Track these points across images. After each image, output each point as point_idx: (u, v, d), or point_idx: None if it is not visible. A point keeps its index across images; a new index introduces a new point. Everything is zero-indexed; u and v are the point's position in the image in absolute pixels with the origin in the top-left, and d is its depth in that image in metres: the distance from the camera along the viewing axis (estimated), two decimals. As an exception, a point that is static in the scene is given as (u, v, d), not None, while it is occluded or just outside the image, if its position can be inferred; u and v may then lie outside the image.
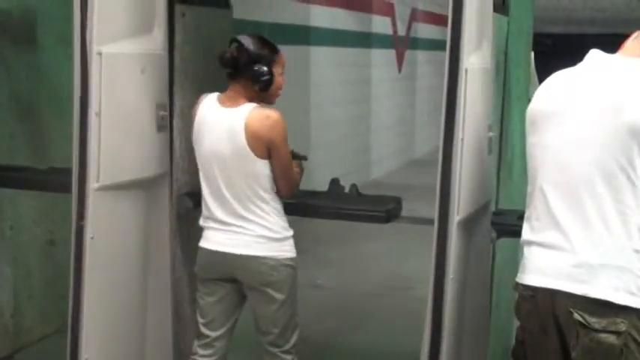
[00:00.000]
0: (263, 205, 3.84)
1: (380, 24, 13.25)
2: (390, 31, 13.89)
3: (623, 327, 2.88)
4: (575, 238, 2.95)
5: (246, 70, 3.83)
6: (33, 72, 5.52)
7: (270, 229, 3.85)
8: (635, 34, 3.13)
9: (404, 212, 4.46)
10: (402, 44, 14.59)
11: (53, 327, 5.62)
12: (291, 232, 3.90)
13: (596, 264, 2.92)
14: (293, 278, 3.93)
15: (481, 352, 3.93)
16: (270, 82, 3.86)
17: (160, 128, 4.12)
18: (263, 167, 3.80)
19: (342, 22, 11.52)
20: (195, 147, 3.94)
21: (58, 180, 4.55)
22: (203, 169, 3.93)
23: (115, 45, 3.78)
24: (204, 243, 3.97)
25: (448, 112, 3.36)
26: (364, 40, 12.56)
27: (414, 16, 15.39)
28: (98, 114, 3.72)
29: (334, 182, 4.53)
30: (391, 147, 14.24)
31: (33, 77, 5.52)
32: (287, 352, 3.98)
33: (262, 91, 3.87)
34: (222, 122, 3.81)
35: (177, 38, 4.37)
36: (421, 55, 16.03)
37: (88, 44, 3.68)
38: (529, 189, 3.14)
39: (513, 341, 3.30)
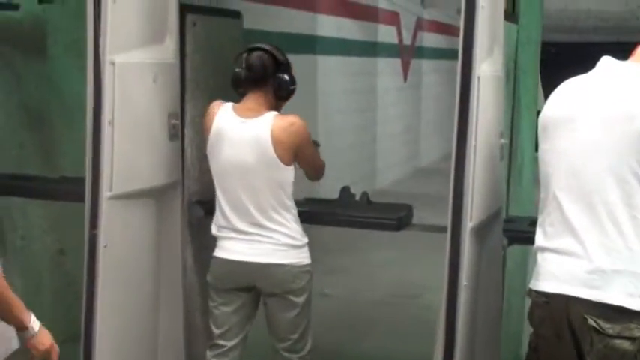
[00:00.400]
0: (285, 213, 3.86)
1: (386, 33, 13.27)
2: (395, 40, 13.91)
3: (637, 332, 2.88)
4: (589, 244, 2.95)
5: (273, 78, 3.85)
6: (43, 81, 5.54)
7: (291, 237, 3.87)
8: (646, 41, 3.14)
9: (413, 220, 4.47)
10: (407, 53, 14.60)
11: (64, 335, 5.59)
12: (307, 239, 3.94)
13: (609, 270, 2.91)
14: (311, 284, 3.97)
15: (494, 358, 3.93)
16: (293, 91, 3.89)
17: (171, 137, 4.14)
18: (289, 175, 3.84)
19: (348, 32, 11.54)
20: (211, 158, 3.95)
21: (69, 189, 4.58)
22: (220, 180, 3.93)
23: (128, 54, 3.81)
24: (221, 253, 3.97)
25: (461, 119, 3.37)
26: (370, 49, 12.58)
27: (420, 25, 15.40)
28: (111, 123, 3.74)
29: (345, 190, 4.54)
30: (397, 156, 14.24)
31: (43, 87, 5.54)
32: (303, 358, 4.00)
33: (283, 100, 3.90)
34: (245, 133, 3.81)
35: (188, 47, 4.39)
36: (427, 64, 16.04)
37: (101, 54, 3.70)
38: (542, 195, 3.14)
39: (524, 347, 3.29)
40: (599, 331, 2.91)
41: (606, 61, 3.13)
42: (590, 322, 2.92)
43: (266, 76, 3.86)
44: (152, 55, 3.98)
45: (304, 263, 3.93)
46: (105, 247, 3.77)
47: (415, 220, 4.47)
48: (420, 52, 15.52)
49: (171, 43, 4.12)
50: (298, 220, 3.93)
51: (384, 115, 13.26)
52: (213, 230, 3.98)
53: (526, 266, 5.04)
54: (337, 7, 11.13)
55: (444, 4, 15.51)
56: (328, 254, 7.95)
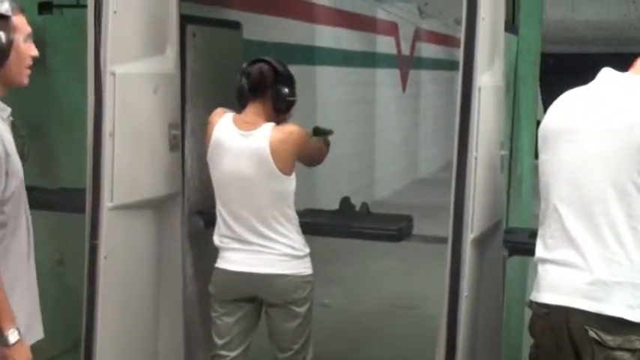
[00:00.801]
0: (287, 224, 3.87)
1: (384, 44, 13.30)
2: (394, 51, 13.94)
3: (638, 344, 2.88)
4: (589, 256, 2.95)
5: (272, 89, 3.86)
6: (42, 92, 5.53)
7: (293, 247, 3.88)
8: (646, 53, 3.14)
9: (413, 231, 4.47)
10: (406, 64, 14.63)
11: (63, 346, 5.60)
12: (309, 249, 3.94)
13: (610, 281, 2.91)
14: (313, 294, 3.98)
15: (494, 369, 3.94)
16: (293, 104, 3.89)
17: (172, 147, 4.15)
18: (290, 185, 3.85)
19: (347, 42, 11.56)
20: (211, 167, 3.95)
21: (68, 200, 4.58)
22: (220, 191, 3.94)
23: (129, 65, 3.82)
24: (223, 264, 3.97)
25: (462, 130, 3.37)
26: (369, 59, 12.60)
27: (418, 35, 15.43)
28: (112, 134, 3.75)
29: (345, 201, 4.54)
30: (396, 166, 14.25)
31: (42, 97, 5.53)
32: (304, 367, 4.01)
33: (282, 113, 3.90)
34: (244, 146, 3.82)
35: (189, 58, 4.41)
36: (425, 75, 16.07)
37: (101, 64, 3.71)
38: (542, 206, 3.14)
39: (523, 358, 3.29)
40: (600, 343, 2.91)
41: (606, 73, 3.14)
42: (591, 333, 2.92)
43: (264, 87, 3.87)
44: (153, 66, 4.00)
45: (306, 274, 3.93)
46: (105, 257, 3.77)
47: (414, 230, 4.48)
48: (418, 63, 15.54)
49: (171, 54, 4.13)
50: (300, 230, 3.93)
51: (382, 125, 13.28)
52: (216, 241, 3.97)
53: (525, 276, 5.04)
54: (336, 18, 11.15)
55: (442, 15, 15.54)
56: (327, 265, 7.92)
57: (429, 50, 16.29)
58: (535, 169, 3.97)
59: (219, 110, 3.97)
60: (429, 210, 9.35)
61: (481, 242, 3.58)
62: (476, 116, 3.37)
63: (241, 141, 3.84)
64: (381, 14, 13.08)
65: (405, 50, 14.60)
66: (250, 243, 3.88)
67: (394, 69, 14.11)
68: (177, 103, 4.22)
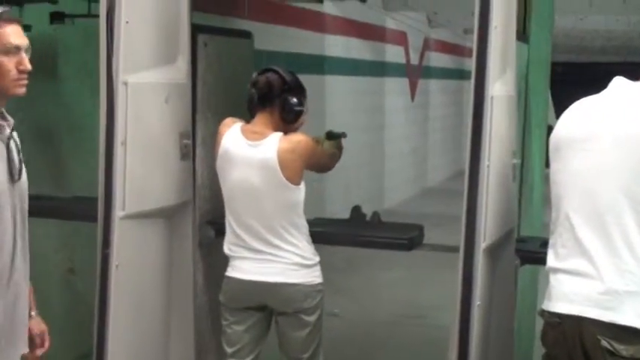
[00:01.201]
0: (296, 233, 3.86)
1: (393, 53, 13.31)
2: (403, 60, 13.94)
3: (651, 354, 2.87)
4: (601, 265, 2.94)
5: (280, 98, 3.86)
6: (54, 102, 5.55)
7: (302, 257, 3.87)
8: (660, 62, 3.14)
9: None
10: (415, 73, 14.63)
11: (73, 355, 5.61)
12: (318, 258, 3.94)
13: (622, 291, 2.90)
14: (322, 303, 3.97)
15: (506, 379, 3.92)
16: (300, 114, 3.89)
17: (183, 157, 4.14)
18: (300, 194, 3.85)
19: (356, 52, 11.57)
20: (220, 176, 3.96)
21: (80, 208, 4.59)
22: (229, 201, 3.95)
23: (140, 75, 3.83)
24: (233, 272, 3.97)
25: (474, 139, 3.37)
26: (378, 68, 12.61)
27: (427, 44, 15.44)
28: (124, 143, 3.75)
29: (356, 210, 4.54)
30: (405, 175, 14.25)
31: (54, 107, 5.55)
32: (315, 376, 4.00)
33: (289, 123, 3.89)
34: (252, 156, 3.83)
35: (200, 68, 4.41)
36: (434, 84, 16.07)
37: (113, 74, 3.72)
38: (553, 215, 3.13)
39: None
40: (612, 353, 2.90)
41: (618, 82, 3.13)
42: (604, 343, 2.91)
43: (272, 96, 3.87)
44: (164, 76, 4.00)
45: (316, 282, 3.92)
46: (117, 266, 3.77)
47: (424, 240, 4.47)
48: (427, 72, 15.55)
49: (183, 64, 4.13)
50: (310, 238, 3.93)
51: (391, 134, 13.28)
52: (226, 250, 3.98)
53: (536, 285, 5.03)
54: (346, 28, 11.17)
55: (451, 24, 15.55)
56: (337, 274, 7.93)
57: (437, 59, 16.29)
58: (546, 178, 3.97)
59: (227, 121, 3.98)
60: (438, 219, 9.36)
61: (493, 251, 3.57)
62: (488, 125, 3.37)
63: (249, 151, 3.84)
64: (390, 24, 13.09)
65: (414, 59, 14.61)
66: (260, 252, 3.88)
67: (403, 78, 14.12)
68: (189, 112, 4.23)
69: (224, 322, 4.03)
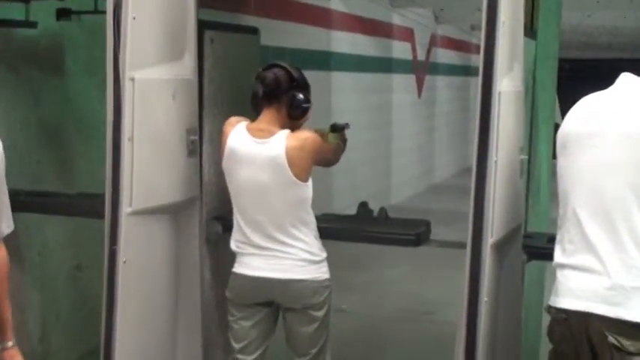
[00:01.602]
0: (304, 229, 3.87)
1: (400, 49, 13.30)
2: (410, 56, 13.94)
3: (658, 350, 2.87)
4: (608, 261, 2.94)
5: (287, 95, 3.85)
6: (60, 98, 5.56)
7: (310, 252, 3.88)
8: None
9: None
10: (421, 69, 14.62)
11: (80, 351, 5.63)
12: (326, 254, 3.94)
13: (629, 287, 2.91)
14: (330, 298, 3.97)
15: (514, 374, 3.92)
16: (307, 110, 3.89)
17: (190, 153, 4.15)
18: (307, 191, 3.85)
19: (362, 48, 11.57)
20: (226, 175, 3.96)
21: (86, 205, 4.59)
22: (236, 199, 3.94)
23: (147, 71, 3.82)
24: (240, 269, 3.97)
25: (482, 135, 3.36)
26: (385, 65, 12.60)
27: (434, 41, 15.43)
28: (131, 139, 3.75)
29: (363, 206, 4.53)
30: (411, 171, 14.25)
31: (60, 103, 5.56)
32: (322, 372, 4.00)
33: (296, 119, 3.89)
34: (259, 155, 3.82)
35: (206, 64, 4.41)
36: (441, 80, 16.06)
37: (120, 70, 3.71)
38: (560, 211, 3.13)
39: (541, 361, 3.28)
40: (619, 349, 2.91)
41: (626, 78, 3.14)
42: (611, 339, 2.92)
43: (279, 93, 3.87)
44: (171, 72, 4.00)
45: (323, 278, 3.93)
46: (124, 262, 3.77)
47: (431, 235, 4.47)
48: (434, 68, 15.54)
49: (189, 60, 4.13)
50: (317, 234, 3.93)
51: (398, 130, 13.27)
52: (232, 246, 3.98)
53: (542, 281, 5.03)
54: (352, 24, 11.16)
55: (457, 20, 15.54)
56: (344, 270, 7.94)
57: (444, 56, 16.28)
58: (553, 174, 3.96)
59: (232, 120, 3.98)
60: (445, 215, 9.37)
61: (500, 247, 3.56)
62: (496, 121, 3.36)
63: (256, 149, 3.83)
64: (396, 20, 13.08)
65: (421, 56, 14.60)
66: (268, 248, 3.88)
67: (410, 74, 14.11)
68: (195, 108, 4.23)
69: (231, 318, 4.03)
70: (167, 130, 4.01)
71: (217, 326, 4.53)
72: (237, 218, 3.94)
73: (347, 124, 4.13)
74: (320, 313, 3.93)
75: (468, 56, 17.95)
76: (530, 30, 4.22)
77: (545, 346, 3.23)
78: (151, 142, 3.88)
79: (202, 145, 4.35)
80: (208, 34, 4.41)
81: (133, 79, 3.74)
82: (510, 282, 3.77)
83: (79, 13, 5.35)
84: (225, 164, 3.94)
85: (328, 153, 4.01)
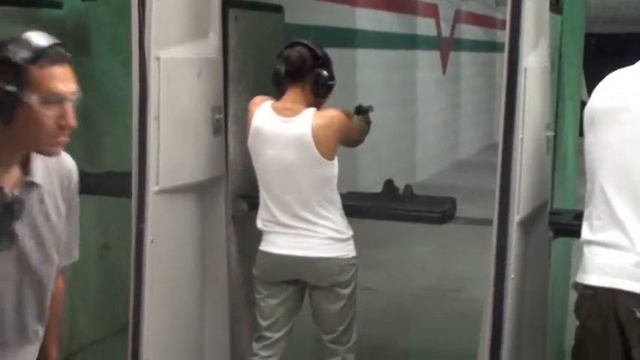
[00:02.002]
0: (330, 207, 3.88)
1: (425, 25, 13.23)
2: (434, 33, 13.86)
3: (685, 326, 2.86)
4: (636, 237, 2.93)
5: (312, 73, 3.85)
6: (86, 78, 5.55)
7: (337, 231, 3.89)
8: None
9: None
10: (446, 45, 14.55)
11: (106, 330, 5.66)
12: (352, 232, 3.95)
13: (657, 263, 2.89)
14: (356, 276, 3.99)
15: (540, 352, 3.91)
16: (332, 87, 3.89)
17: (215, 131, 4.16)
18: (333, 169, 3.85)
19: (387, 25, 11.52)
20: (252, 154, 3.97)
21: (114, 184, 4.61)
22: (262, 177, 3.96)
23: (173, 50, 3.84)
24: (267, 247, 3.99)
25: (508, 112, 3.35)
26: (409, 41, 12.55)
27: (458, 17, 15.33)
28: (157, 118, 3.77)
29: (388, 183, 4.53)
30: (437, 148, 14.21)
31: (87, 83, 5.53)
32: (349, 350, 4.02)
33: (321, 97, 3.90)
34: (285, 134, 3.83)
35: (231, 42, 4.41)
36: (465, 56, 15.97)
37: (146, 50, 3.72)
38: (588, 188, 3.12)
39: (567, 340, 3.27)
40: (646, 325, 2.90)
41: (654, 53, 3.11)
42: (639, 315, 2.90)
43: (304, 71, 3.86)
44: (196, 50, 4.01)
45: (350, 256, 3.94)
46: (152, 241, 3.80)
47: (456, 212, 4.47)
48: (458, 45, 15.45)
49: (214, 38, 4.14)
50: (343, 212, 3.94)
51: (423, 107, 13.23)
52: (259, 224, 3.99)
53: (569, 258, 5.01)
54: (376, 0, 11.11)
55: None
56: (369, 248, 7.94)
57: (469, 32, 16.18)
58: (579, 151, 3.94)
59: (257, 99, 3.98)
60: (471, 192, 9.35)
61: (527, 224, 3.56)
62: (522, 97, 3.34)
63: (282, 128, 3.84)
64: (421, -4, 13.03)
65: (445, 32, 14.52)
66: (294, 227, 3.89)
67: (434, 51, 14.04)
68: (220, 87, 4.24)
69: (258, 296, 4.05)
70: (192, 108, 4.02)
71: (244, 304, 4.55)
72: (264, 197, 3.95)
73: (371, 106, 4.13)
74: (346, 291, 3.94)
75: (493, 32, 17.82)
76: (556, 5, 4.19)
77: (572, 323, 3.22)
78: (176, 121, 3.90)
79: (227, 123, 4.36)
80: (233, 12, 4.41)
81: (158, 59, 3.75)
82: (537, 259, 3.76)
83: (104, -8, 5.37)
84: (250, 143, 3.95)
85: (354, 132, 4.01)
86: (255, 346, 4.06)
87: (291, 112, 3.85)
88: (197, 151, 4.07)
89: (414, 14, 12.81)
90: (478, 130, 16.80)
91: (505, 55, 3.36)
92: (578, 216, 3.30)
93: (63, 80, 2.22)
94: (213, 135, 4.15)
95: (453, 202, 4.38)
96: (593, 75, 3.24)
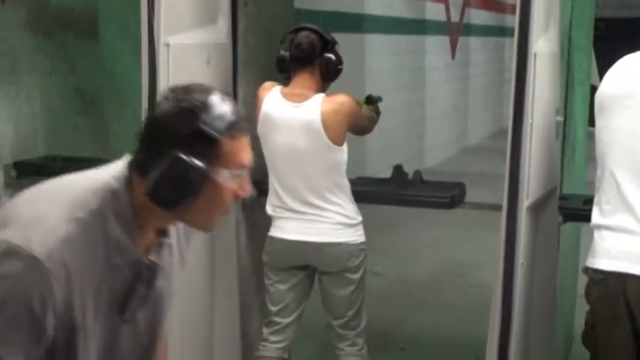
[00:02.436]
0: (339, 193, 3.88)
1: (434, 10, 13.18)
2: (443, 17, 13.82)
3: (696, 311, 2.86)
4: (646, 222, 2.93)
5: (321, 58, 3.85)
6: (96, 64, 5.58)
7: (346, 216, 3.90)
8: None
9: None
10: (455, 30, 14.50)
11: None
12: (361, 217, 3.96)
13: (667, 247, 2.90)
14: (366, 261, 4.01)
15: (549, 337, 3.92)
16: (340, 71, 3.89)
17: (225, 117, 4.14)
18: (343, 155, 3.86)
19: (396, 9, 11.48)
20: (261, 139, 3.96)
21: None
22: (272, 163, 3.96)
23: (182, 36, 3.82)
24: (277, 232, 4.00)
25: (517, 97, 3.33)
26: (418, 26, 12.51)
27: (467, 1, 15.27)
28: (166, 104, 3.75)
29: (398, 169, 4.53)
30: (446, 134, 14.18)
31: (96, 69, 5.58)
32: (359, 334, 4.04)
33: (331, 81, 3.90)
34: (295, 119, 3.83)
35: (240, 28, 4.41)
36: (474, 41, 15.91)
37: (155, 35, 3.71)
38: (598, 173, 3.12)
39: (576, 325, 3.28)
40: (656, 310, 2.90)
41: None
42: (648, 300, 2.91)
43: (314, 56, 3.86)
44: (205, 36, 4.00)
45: (359, 241, 3.95)
46: (161, 226, 3.79)
47: (466, 198, 4.47)
48: (467, 29, 15.40)
49: (223, 24, 4.13)
50: (352, 198, 3.94)
51: (432, 93, 13.20)
52: (269, 210, 4.00)
53: (579, 243, 5.01)
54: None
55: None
56: (378, 233, 7.95)
57: (478, 16, 16.12)
58: (589, 136, 3.93)
59: (266, 84, 3.98)
60: (480, 177, 9.35)
61: (536, 209, 3.55)
62: (531, 82, 3.33)
63: (292, 113, 3.84)
64: (430, -20, 12.97)
65: (455, 17, 14.47)
66: (303, 212, 3.90)
67: (443, 36, 13.99)
68: (230, 72, 4.24)
69: (267, 282, 4.06)
70: (202, 95, 4.01)
71: (254, 289, 4.57)
72: (273, 182, 3.96)
73: (380, 97, 4.13)
74: (356, 276, 3.95)
75: (503, 16, 17.75)
76: (566, -11, 4.18)
77: (581, 308, 3.23)
78: (186, 108, 3.88)
79: (237, 109, 4.35)
80: (242, -2, 4.41)
81: (167, 45, 3.74)
82: (546, 244, 3.76)
83: (112, -23, 5.37)
84: (260, 129, 3.95)
85: (362, 119, 4.01)
86: (265, 331, 4.08)
87: (300, 98, 3.85)
88: (206, 137, 4.06)
89: (423, -1, 12.78)
90: (487, 115, 16.76)
91: (515, 40, 3.35)
92: (588, 201, 3.29)
93: (248, 150, 2.01)
94: (223, 121, 4.14)
95: (462, 187, 4.39)
96: (605, 60, 3.23)
